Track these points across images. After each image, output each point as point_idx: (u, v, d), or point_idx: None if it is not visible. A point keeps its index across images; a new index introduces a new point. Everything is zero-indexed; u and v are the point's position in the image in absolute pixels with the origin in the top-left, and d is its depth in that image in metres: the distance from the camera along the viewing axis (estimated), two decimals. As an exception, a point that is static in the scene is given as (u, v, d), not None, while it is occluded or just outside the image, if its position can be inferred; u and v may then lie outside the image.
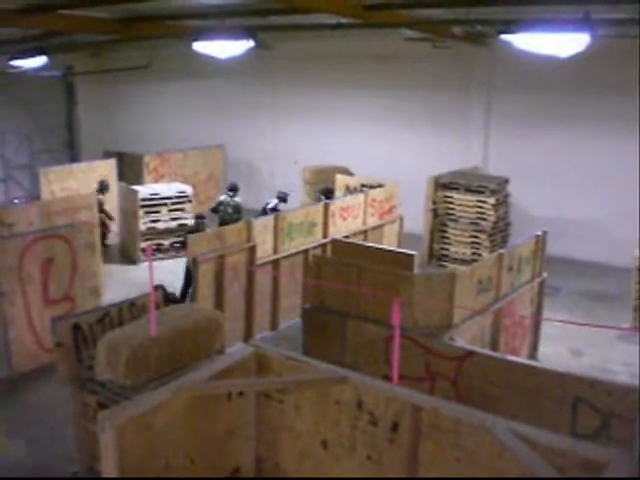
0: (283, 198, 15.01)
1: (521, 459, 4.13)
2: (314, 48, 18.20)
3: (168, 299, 8.22)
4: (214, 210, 14.94)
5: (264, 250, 11.45)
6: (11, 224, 11.89)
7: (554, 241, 11.04)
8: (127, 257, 16.24)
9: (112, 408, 5.06)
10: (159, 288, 8.05)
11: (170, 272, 12.43)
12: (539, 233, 10.25)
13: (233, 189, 14.98)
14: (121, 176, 17.93)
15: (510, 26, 9.77)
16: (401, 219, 15.05)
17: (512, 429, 4.39)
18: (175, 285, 11.36)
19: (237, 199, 14.72)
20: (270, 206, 14.55)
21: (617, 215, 15.05)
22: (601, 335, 10.83)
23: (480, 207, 14.95)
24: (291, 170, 19.28)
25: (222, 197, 15.07)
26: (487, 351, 7.89)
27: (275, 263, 11.77)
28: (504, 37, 9.78)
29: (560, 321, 9.55)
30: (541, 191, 16.22)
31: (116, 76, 23.13)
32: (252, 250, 11.19)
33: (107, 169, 17.58)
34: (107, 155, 20.31)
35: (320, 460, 5.39)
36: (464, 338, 8.08)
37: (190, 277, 11.16)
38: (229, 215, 14.49)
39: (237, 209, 14.60)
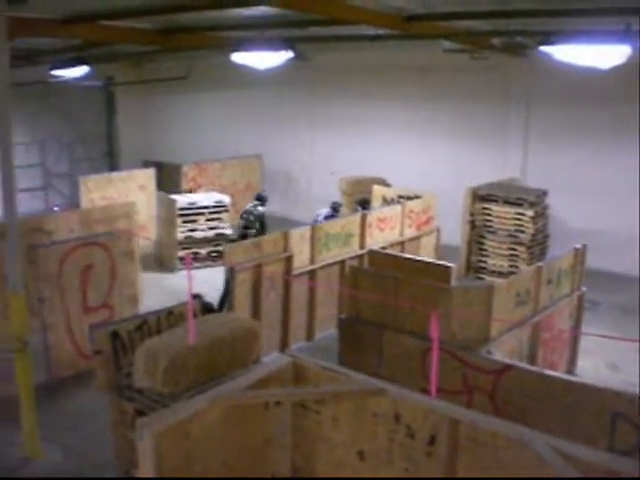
0: (336, 208, 15.06)
1: (559, 474, 4.09)
2: (352, 59, 18.22)
3: (205, 308, 8.27)
4: (241, 217, 15.00)
5: (301, 260, 11.48)
6: (51, 232, 12.06)
7: (593, 254, 10.90)
8: (164, 265, 16.38)
9: (150, 416, 5.09)
10: (197, 297, 8.11)
11: (205, 282, 12.45)
12: (578, 246, 10.15)
13: (259, 198, 14.99)
14: (160, 185, 18.06)
15: (550, 37, 9.70)
16: (438, 231, 15.00)
17: (550, 443, 4.35)
18: (212, 295, 11.40)
19: (261, 208, 14.69)
20: (321, 217, 14.49)
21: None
22: (640, 350, 10.68)
23: (518, 219, 14.83)
24: (328, 181, 19.31)
25: (248, 206, 15.11)
26: (525, 365, 7.83)
27: (312, 273, 11.79)
28: (543, 48, 9.71)
29: (599, 335, 9.44)
30: (581, 203, 16.04)
31: (155, 86, 23.38)
32: (289, 260, 11.22)
33: (146, 178, 17.71)
34: (146, 164, 20.48)
35: (356, 471, 5.38)
36: (502, 351, 8.02)
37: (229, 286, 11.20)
38: (251, 223, 14.53)
39: (259, 218, 14.55)
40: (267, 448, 5.59)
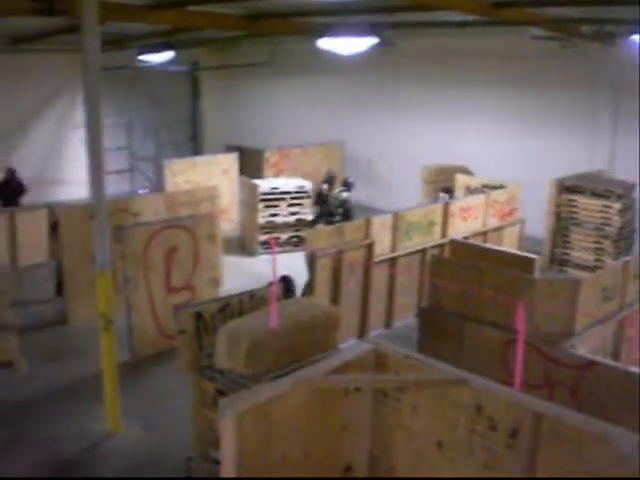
0: (448, 189, 15.09)
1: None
2: (437, 45, 17.98)
3: (289, 291, 8.35)
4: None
5: (382, 248, 11.45)
6: (137, 213, 12.32)
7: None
8: (245, 249, 16.55)
9: (232, 396, 5.15)
10: (284, 279, 8.18)
11: (287, 267, 12.50)
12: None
13: (344, 184, 15.10)
14: (242, 170, 18.23)
15: (640, 26, 9.45)
16: (522, 222, 14.76)
17: (636, 442, 4.24)
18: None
19: (345, 194, 14.76)
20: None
21: None
22: None
23: (605, 212, 14.50)
24: (410, 168, 19.13)
25: (334, 191, 15.20)
26: (609, 361, 7.66)
27: (392, 261, 11.74)
28: (634, 37, 9.46)
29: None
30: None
31: (238, 71, 23.60)
32: (370, 247, 11.21)
33: (229, 163, 17.91)
34: (229, 149, 20.67)
35: (435, 461, 5.33)
36: (585, 346, 7.87)
37: None
38: (333, 207, 14.65)
39: (342, 204, 14.63)
40: (345, 434, 5.58)
